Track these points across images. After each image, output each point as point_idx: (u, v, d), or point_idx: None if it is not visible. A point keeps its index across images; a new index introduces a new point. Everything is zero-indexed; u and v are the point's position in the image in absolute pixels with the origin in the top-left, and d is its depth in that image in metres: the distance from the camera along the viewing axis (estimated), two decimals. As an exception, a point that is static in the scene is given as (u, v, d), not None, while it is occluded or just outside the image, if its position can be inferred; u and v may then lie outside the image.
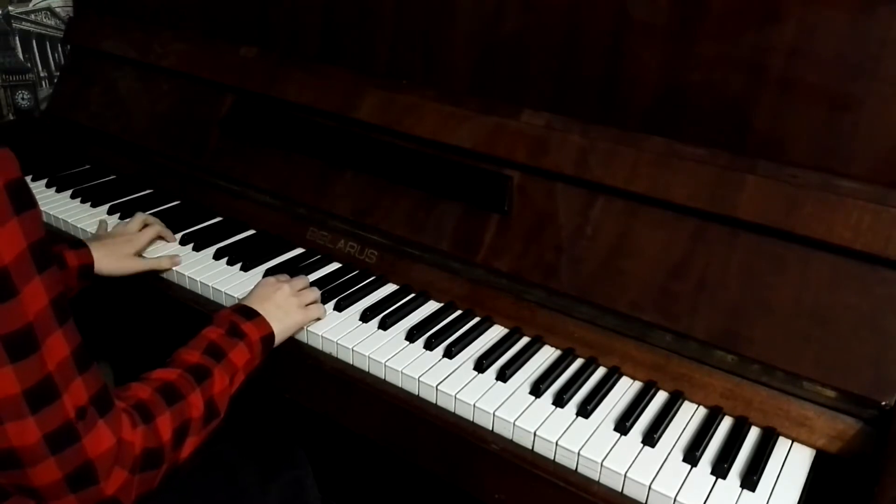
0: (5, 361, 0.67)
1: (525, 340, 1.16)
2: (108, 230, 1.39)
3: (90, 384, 0.74)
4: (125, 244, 1.29)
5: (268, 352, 1.05)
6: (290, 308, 1.11)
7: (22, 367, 0.67)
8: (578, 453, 0.94)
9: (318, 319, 1.17)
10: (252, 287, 1.18)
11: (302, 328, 1.15)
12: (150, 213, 1.50)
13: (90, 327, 0.85)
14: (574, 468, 0.95)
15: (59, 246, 1.19)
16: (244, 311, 1.05)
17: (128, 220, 1.38)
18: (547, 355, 1.14)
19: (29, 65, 1.94)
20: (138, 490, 0.79)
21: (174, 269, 1.32)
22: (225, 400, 0.94)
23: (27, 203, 0.68)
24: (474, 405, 1.02)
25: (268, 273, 1.30)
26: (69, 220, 1.49)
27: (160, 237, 1.39)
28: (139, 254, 1.31)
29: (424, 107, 1.30)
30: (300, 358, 1.15)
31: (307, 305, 1.15)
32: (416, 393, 1.07)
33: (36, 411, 0.69)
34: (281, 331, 1.08)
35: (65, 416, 0.71)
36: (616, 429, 0.99)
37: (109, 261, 1.24)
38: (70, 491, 0.73)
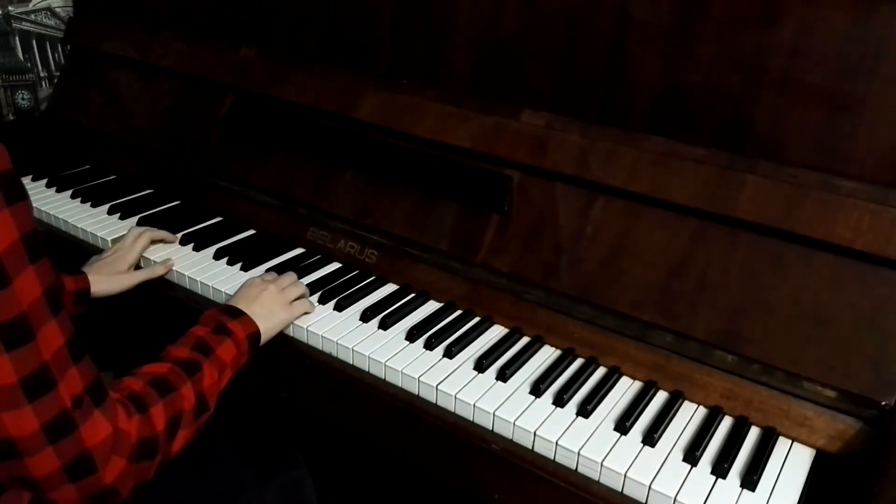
0: (1, 350, 0.67)
1: (525, 340, 1.16)
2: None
3: (85, 374, 0.75)
4: (117, 261, 1.29)
5: (255, 349, 1.06)
6: (275, 307, 1.13)
7: (17, 355, 0.68)
8: (578, 453, 0.94)
9: (306, 313, 1.18)
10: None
11: (290, 325, 1.15)
12: (150, 213, 1.51)
13: (91, 332, 0.85)
14: (574, 468, 0.95)
15: (57, 270, 1.18)
16: (230, 311, 1.07)
17: (122, 235, 1.38)
18: (547, 355, 1.14)
19: (29, 65, 1.94)
20: (135, 481, 0.80)
21: (175, 269, 1.31)
22: (214, 394, 0.95)
23: (18, 195, 0.69)
24: (474, 405, 1.02)
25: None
26: (69, 220, 1.49)
27: (159, 241, 1.38)
28: (134, 266, 1.31)
29: (424, 107, 1.30)
30: (299, 357, 1.15)
31: (293, 301, 1.16)
32: (416, 393, 1.07)
33: (33, 400, 0.70)
34: (267, 329, 1.09)
35: (61, 405, 0.72)
36: (616, 429, 0.99)
37: (103, 282, 1.24)
38: (69, 480, 0.74)
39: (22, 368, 0.69)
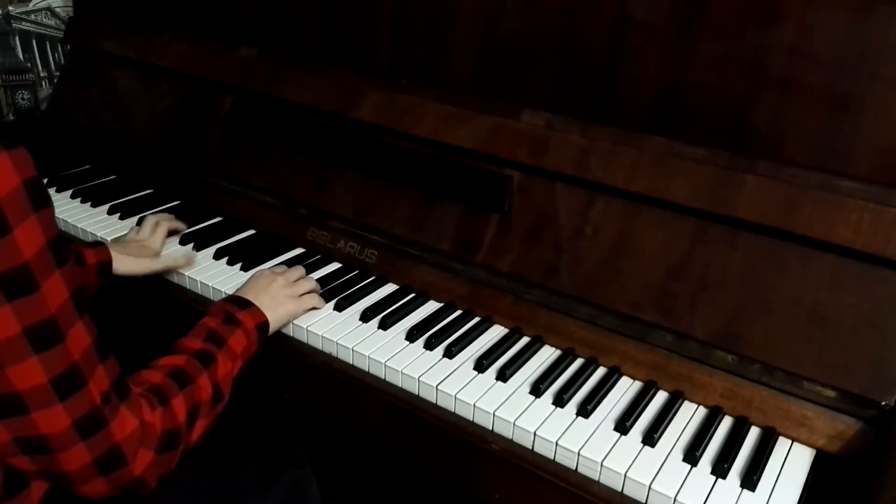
0: (30, 353, 0.69)
1: (525, 340, 1.16)
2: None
3: (110, 371, 0.77)
4: (142, 249, 1.30)
5: (263, 339, 1.07)
6: (283, 299, 1.14)
7: (47, 357, 0.70)
8: (578, 453, 0.95)
9: (315, 308, 1.18)
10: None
11: (296, 318, 1.16)
12: (151, 213, 1.50)
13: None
14: (574, 468, 0.95)
15: (76, 244, 1.20)
16: (238, 301, 1.08)
17: (138, 227, 1.38)
18: (547, 355, 1.14)
19: (29, 65, 1.94)
20: (161, 471, 0.82)
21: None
22: (228, 384, 0.97)
23: (44, 201, 0.70)
24: (474, 405, 1.02)
25: (268, 273, 1.30)
26: (69, 220, 1.49)
27: (174, 231, 1.40)
28: (157, 255, 1.32)
29: (425, 107, 1.30)
30: (300, 357, 1.15)
31: (302, 296, 1.17)
32: (417, 393, 1.07)
33: (64, 399, 0.72)
34: (275, 319, 1.10)
35: (92, 403, 0.74)
36: (616, 429, 0.99)
37: (128, 261, 1.25)
38: (100, 474, 0.76)
39: (52, 369, 0.70)
